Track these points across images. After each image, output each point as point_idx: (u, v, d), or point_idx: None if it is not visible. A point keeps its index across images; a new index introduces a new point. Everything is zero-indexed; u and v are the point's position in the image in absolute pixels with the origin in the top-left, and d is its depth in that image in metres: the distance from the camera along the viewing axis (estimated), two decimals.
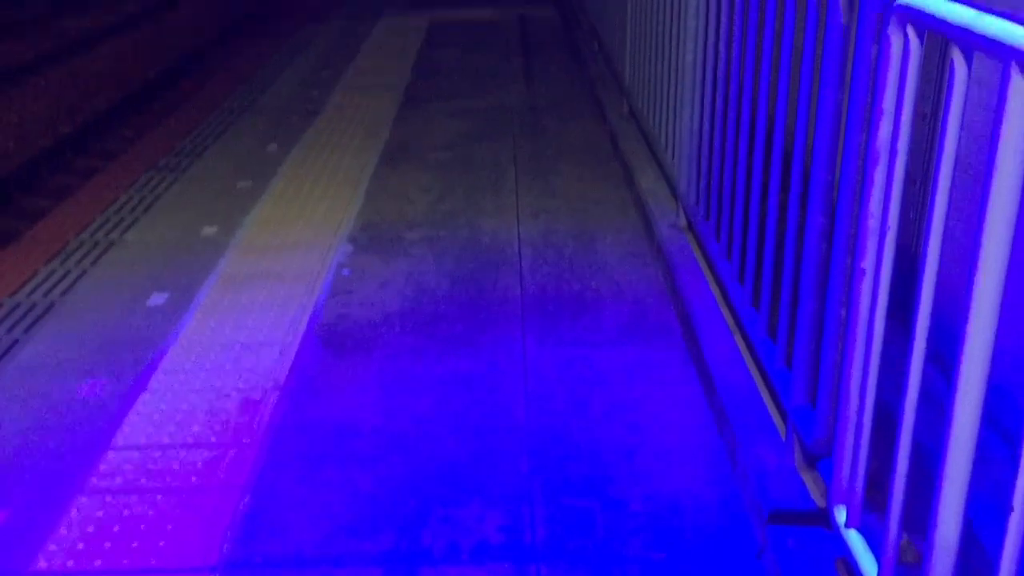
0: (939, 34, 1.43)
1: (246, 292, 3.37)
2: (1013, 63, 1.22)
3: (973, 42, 1.31)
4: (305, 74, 6.82)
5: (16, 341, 3.01)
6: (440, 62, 7.23)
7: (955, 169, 1.46)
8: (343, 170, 4.71)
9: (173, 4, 14.78)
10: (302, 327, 3.10)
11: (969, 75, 1.41)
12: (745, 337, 2.66)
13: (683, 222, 3.56)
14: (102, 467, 2.35)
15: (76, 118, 8.65)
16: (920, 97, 2.57)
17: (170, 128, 7.21)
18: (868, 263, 1.69)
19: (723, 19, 2.87)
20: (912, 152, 2.62)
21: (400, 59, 7.35)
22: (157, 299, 3.30)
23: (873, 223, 1.70)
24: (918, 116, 2.57)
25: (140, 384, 2.74)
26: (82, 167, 7.55)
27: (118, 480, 2.29)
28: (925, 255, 1.49)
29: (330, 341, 3.02)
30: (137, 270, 3.54)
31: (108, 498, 2.22)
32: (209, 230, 3.95)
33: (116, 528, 2.12)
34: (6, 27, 12.66)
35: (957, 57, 1.39)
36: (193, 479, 2.30)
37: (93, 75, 10.21)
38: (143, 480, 2.30)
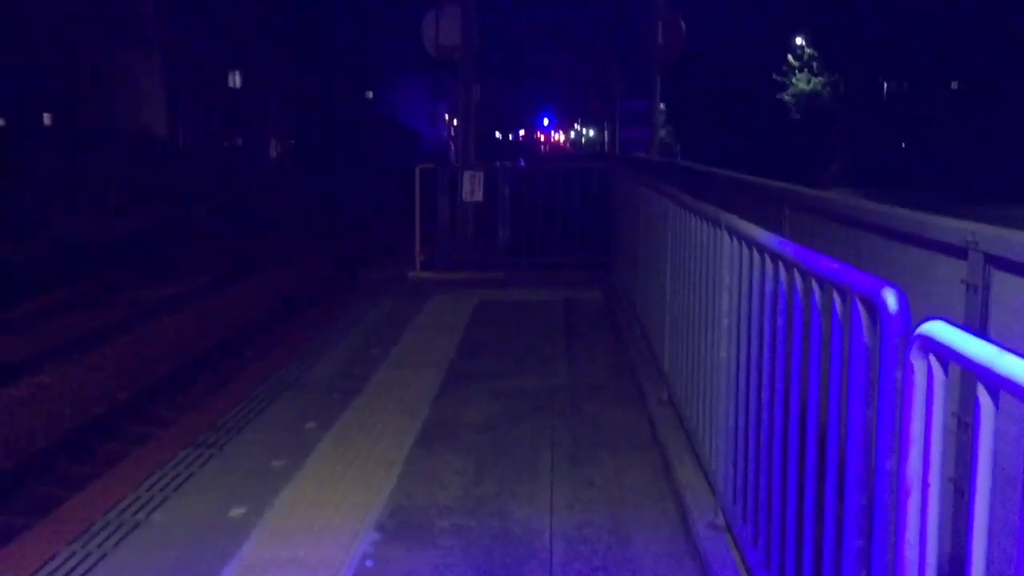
0: (962, 368, 1.40)
1: None
2: None
3: (996, 380, 1.28)
4: (353, 350, 6.99)
5: None
6: (485, 341, 7.39)
7: (996, 482, 1.38)
8: (378, 450, 4.68)
9: (244, 274, 15.59)
10: None
11: (996, 410, 1.36)
12: None
13: (721, 521, 3.41)
14: None
15: (134, 385, 8.89)
16: (959, 405, 2.51)
17: (218, 401, 7.35)
18: None
19: (754, 321, 2.89)
20: (956, 460, 2.52)
21: (447, 337, 7.52)
22: None
23: (911, 554, 1.59)
24: (960, 426, 2.49)
25: None
26: (134, 434, 7.64)
27: None
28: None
29: None
30: (157, 555, 3.45)
31: None
32: (237, 511, 3.89)
33: None
34: (83, 296, 13.40)
35: (982, 392, 1.35)
36: None
37: (156, 344, 10.61)
38: None
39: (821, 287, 2.21)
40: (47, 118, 25.78)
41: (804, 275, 2.36)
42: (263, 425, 5.11)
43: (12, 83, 23.38)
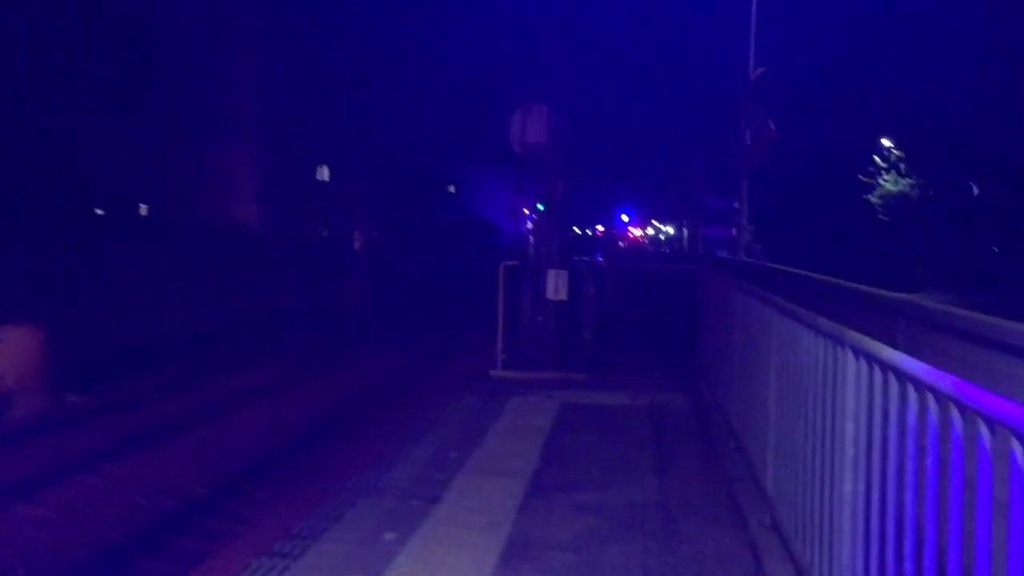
0: None
1: None
2: None
3: None
4: (432, 453, 6.77)
5: None
6: (570, 448, 7.09)
7: None
8: (460, 569, 4.41)
9: (323, 367, 15.60)
10: None
11: None
12: None
13: None
14: None
15: (211, 479, 8.77)
16: None
17: (294, 502, 7.16)
18: None
19: (891, 455, 2.58)
20: None
21: (529, 442, 7.25)
22: None
23: None
24: None
25: None
26: (210, 529, 7.46)
27: None
28: None
29: None
30: None
31: None
32: None
33: None
34: (166, 385, 13.51)
35: None
36: None
37: (235, 436, 10.54)
38: None
39: (991, 429, 1.92)
40: (144, 209, 26.77)
41: (964, 411, 2.07)
42: (340, 534, 4.88)
43: (110, 174, 24.40)
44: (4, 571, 6.24)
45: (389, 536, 4.86)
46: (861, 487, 2.88)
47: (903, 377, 2.49)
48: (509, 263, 11.68)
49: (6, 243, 17.63)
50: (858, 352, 2.97)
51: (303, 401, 12.75)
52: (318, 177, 37.04)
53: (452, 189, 57.26)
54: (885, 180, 32.84)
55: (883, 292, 4.93)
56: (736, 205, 15.11)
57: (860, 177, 33.32)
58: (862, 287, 5.53)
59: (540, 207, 13.39)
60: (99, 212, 24.37)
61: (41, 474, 8.44)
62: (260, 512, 7.74)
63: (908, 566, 2.39)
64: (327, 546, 4.69)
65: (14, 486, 7.98)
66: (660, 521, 5.24)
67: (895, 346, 3.66)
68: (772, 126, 12.99)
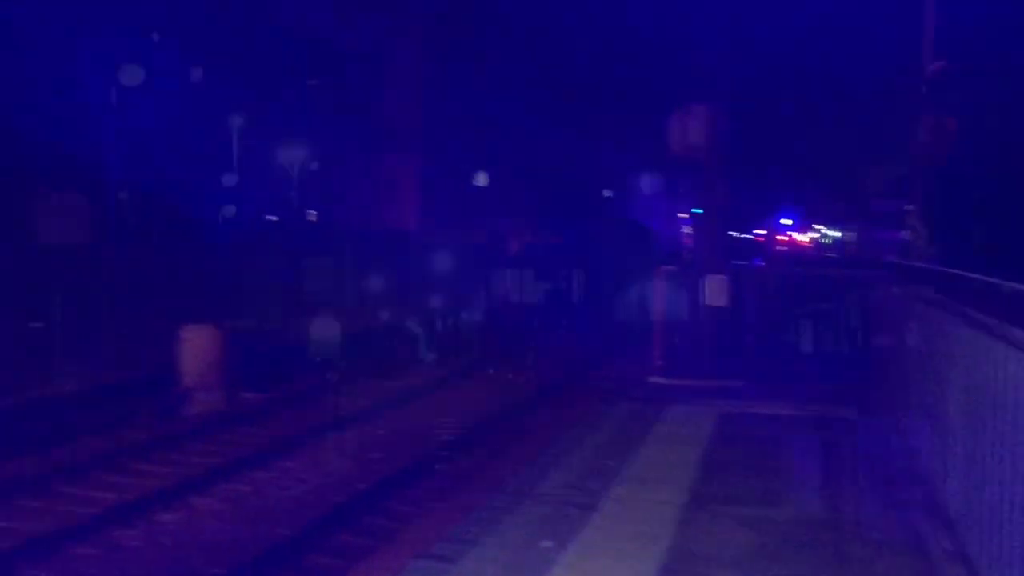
0: None
1: None
2: None
3: None
4: (588, 460, 6.69)
5: None
6: (730, 459, 6.85)
7: None
8: None
9: (473, 371, 15.80)
10: None
11: None
12: None
13: None
14: None
15: (370, 477, 9.00)
16: None
17: (452, 504, 7.22)
18: None
19: None
20: None
21: (688, 451, 7.06)
22: None
23: None
24: None
25: None
26: (369, 527, 7.63)
27: None
28: None
29: None
30: None
31: None
32: None
33: None
34: (332, 385, 13.98)
35: None
36: None
37: (392, 436, 10.79)
38: None
39: None
40: (312, 215, 27.97)
41: None
42: (498, 540, 4.87)
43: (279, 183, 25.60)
44: (180, 560, 6.58)
45: (546, 544, 4.81)
46: None
47: None
48: (667, 268, 11.47)
49: (187, 248, 18.75)
50: None
51: (459, 403, 12.93)
52: (476, 183, 37.67)
53: (608, 194, 56.96)
54: None
55: None
56: (910, 207, 14.29)
57: None
58: None
59: (698, 211, 13.09)
60: (272, 219, 25.63)
61: (215, 468, 8.88)
62: (418, 511, 7.87)
63: None
64: (485, 551, 4.68)
65: (190, 480, 8.42)
66: (830, 542, 4.96)
67: None
68: (951, 123, 12.20)
